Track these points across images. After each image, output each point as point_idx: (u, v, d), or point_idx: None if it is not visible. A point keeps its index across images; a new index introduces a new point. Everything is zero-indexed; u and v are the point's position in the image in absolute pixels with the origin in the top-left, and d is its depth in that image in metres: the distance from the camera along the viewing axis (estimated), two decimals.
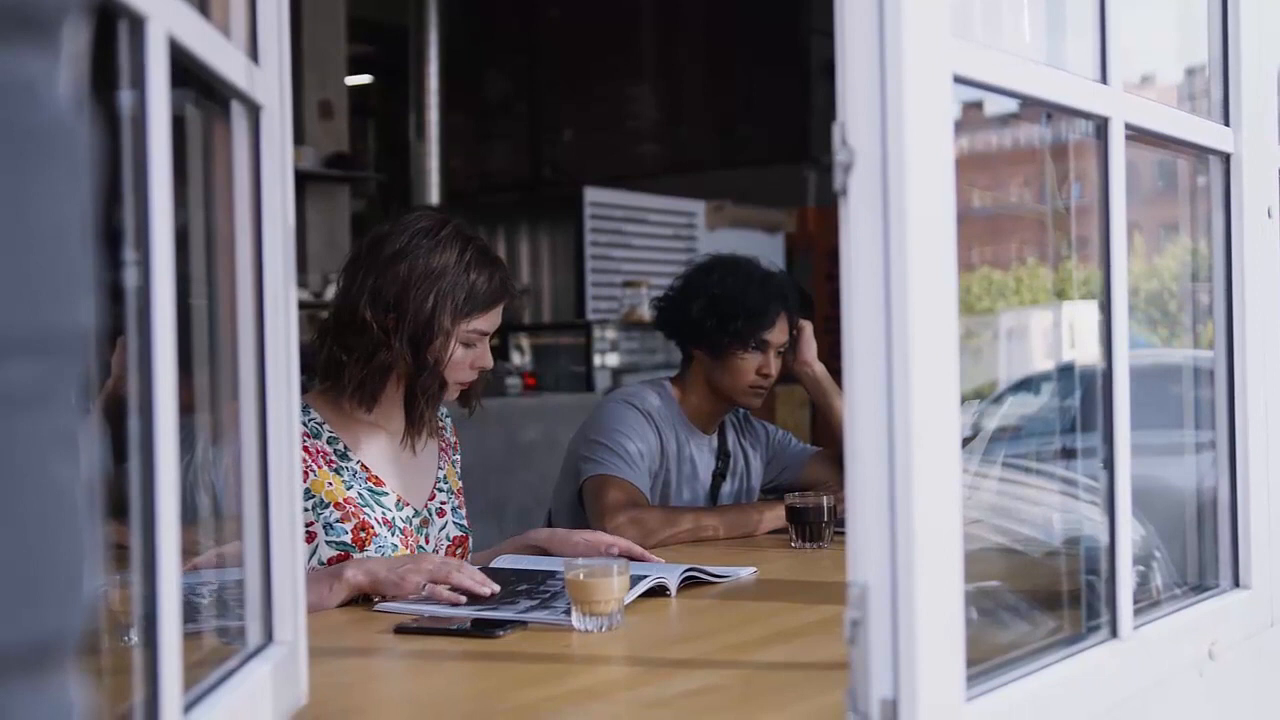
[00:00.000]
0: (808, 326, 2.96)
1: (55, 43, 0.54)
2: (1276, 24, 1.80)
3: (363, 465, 2.19)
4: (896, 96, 1.08)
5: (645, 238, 8.10)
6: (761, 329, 2.81)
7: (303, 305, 6.46)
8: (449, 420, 2.42)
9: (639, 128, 10.07)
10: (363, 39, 9.15)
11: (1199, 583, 1.76)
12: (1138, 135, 1.51)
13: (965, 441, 1.91)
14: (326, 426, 2.19)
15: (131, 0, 0.89)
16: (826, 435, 3.18)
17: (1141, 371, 1.60)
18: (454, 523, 2.32)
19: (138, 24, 0.91)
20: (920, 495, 1.08)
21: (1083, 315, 1.67)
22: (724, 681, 1.54)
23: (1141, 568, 1.66)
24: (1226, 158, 1.74)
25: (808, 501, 2.54)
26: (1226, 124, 1.74)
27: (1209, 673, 1.61)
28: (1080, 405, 1.72)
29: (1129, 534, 1.44)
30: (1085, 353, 1.62)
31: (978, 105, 1.41)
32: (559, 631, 1.77)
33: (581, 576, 1.76)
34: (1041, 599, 1.62)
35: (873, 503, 1.09)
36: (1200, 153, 1.75)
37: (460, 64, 9.62)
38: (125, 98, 0.92)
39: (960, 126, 1.28)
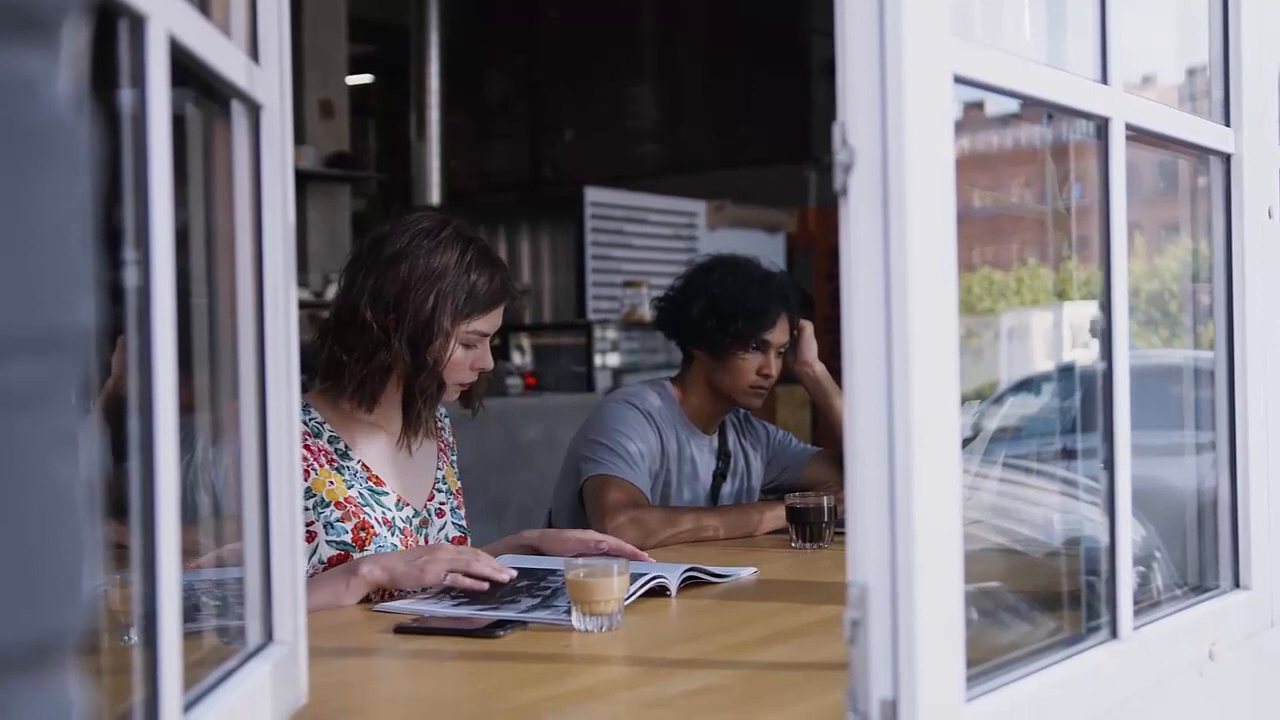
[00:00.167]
0: (808, 327, 2.96)
1: (55, 42, 0.54)
2: (1277, 24, 1.80)
3: (363, 465, 2.19)
4: (897, 96, 1.08)
5: (646, 238, 8.11)
6: (762, 329, 2.81)
7: (303, 305, 6.45)
8: (447, 420, 2.42)
9: (639, 128, 10.07)
10: (363, 39, 9.15)
11: (1199, 583, 1.76)
12: (1138, 136, 1.51)
13: (966, 442, 1.91)
14: (327, 426, 2.19)
15: None
16: (827, 435, 3.18)
17: (1142, 372, 1.60)
18: (453, 523, 2.32)
19: (138, 23, 0.91)
20: (920, 495, 1.08)
21: (1083, 316, 1.67)
22: (724, 681, 1.54)
23: (1142, 568, 1.66)
24: (1227, 158, 1.74)
25: (808, 502, 2.54)
26: (1227, 124, 1.74)
27: (1209, 673, 1.61)
28: (1081, 406, 1.72)
29: (1129, 534, 1.44)
30: (1086, 353, 1.62)
31: (979, 105, 1.41)
32: (559, 631, 1.77)
33: (582, 576, 1.76)
34: (1042, 599, 1.62)
35: (873, 503, 1.09)
36: (1201, 153, 1.75)
37: (461, 64, 9.62)
38: (126, 97, 0.92)
39: (961, 126, 1.28)
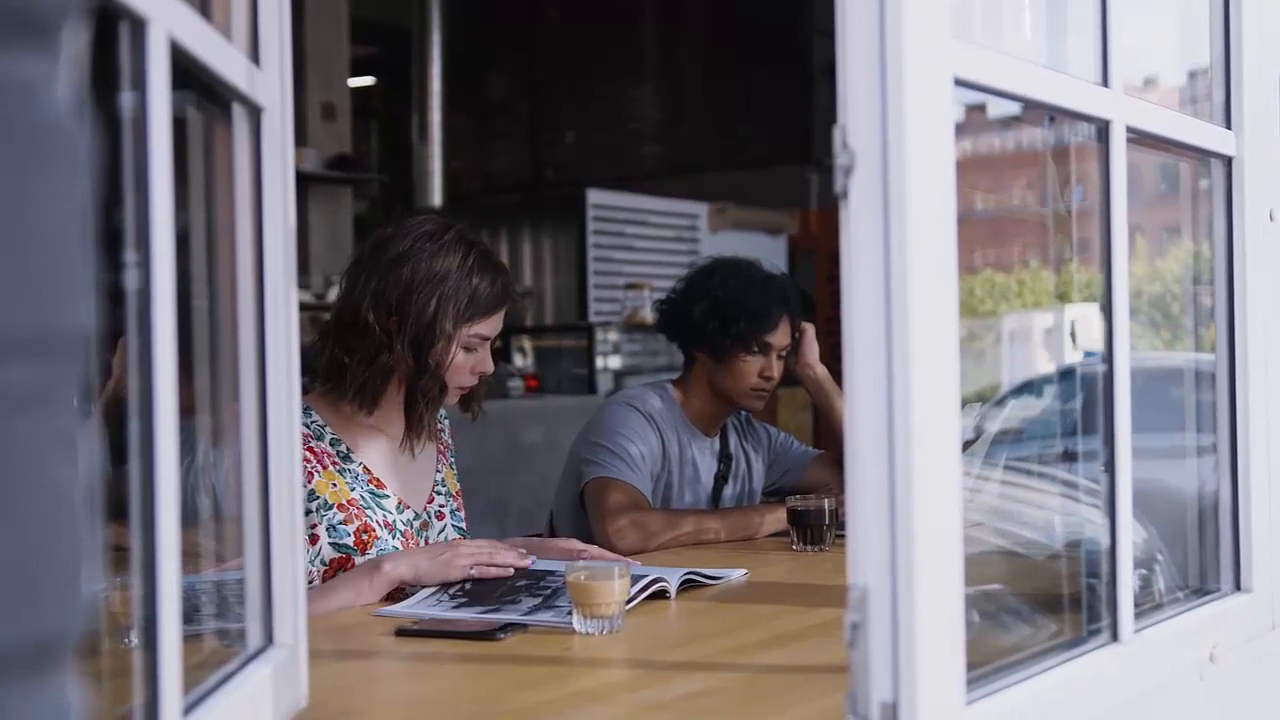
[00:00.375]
0: (810, 329, 2.96)
1: (54, 45, 0.54)
2: (1278, 26, 1.80)
3: (364, 467, 2.20)
4: (897, 99, 1.08)
5: (647, 240, 8.11)
6: (763, 331, 2.81)
7: (305, 307, 6.46)
8: (447, 422, 2.43)
9: (640, 129, 10.07)
10: (365, 40, 9.15)
11: (1200, 586, 1.76)
12: (1139, 138, 1.51)
13: (967, 444, 1.91)
14: (329, 429, 2.19)
15: (133, 2, 0.89)
16: (828, 438, 3.18)
17: (1144, 374, 1.60)
18: (453, 525, 2.33)
19: (139, 26, 0.91)
20: (920, 498, 1.08)
21: (1085, 318, 1.67)
22: (724, 684, 1.54)
23: (1144, 571, 1.66)
24: (1228, 161, 1.74)
25: (809, 504, 2.54)
26: (1228, 127, 1.74)
27: (1210, 676, 1.61)
28: (1082, 408, 1.72)
29: (1129, 537, 1.44)
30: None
31: (980, 108, 1.41)
32: (559, 634, 1.77)
33: (583, 579, 1.76)
34: (1043, 602, 1.61)
35: (873, 505, 1.09)
36: (1202, 156, 1.75)
37: (462, 65, 9.62)
38: (127, 99, 0.92)
39: (963, 129, 1.28)
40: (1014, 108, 1.51)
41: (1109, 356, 1.45)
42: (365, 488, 2.18)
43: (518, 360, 7.34)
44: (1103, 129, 1.44)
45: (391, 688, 1.60)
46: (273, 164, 1.27)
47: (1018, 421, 2.25)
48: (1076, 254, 1.81)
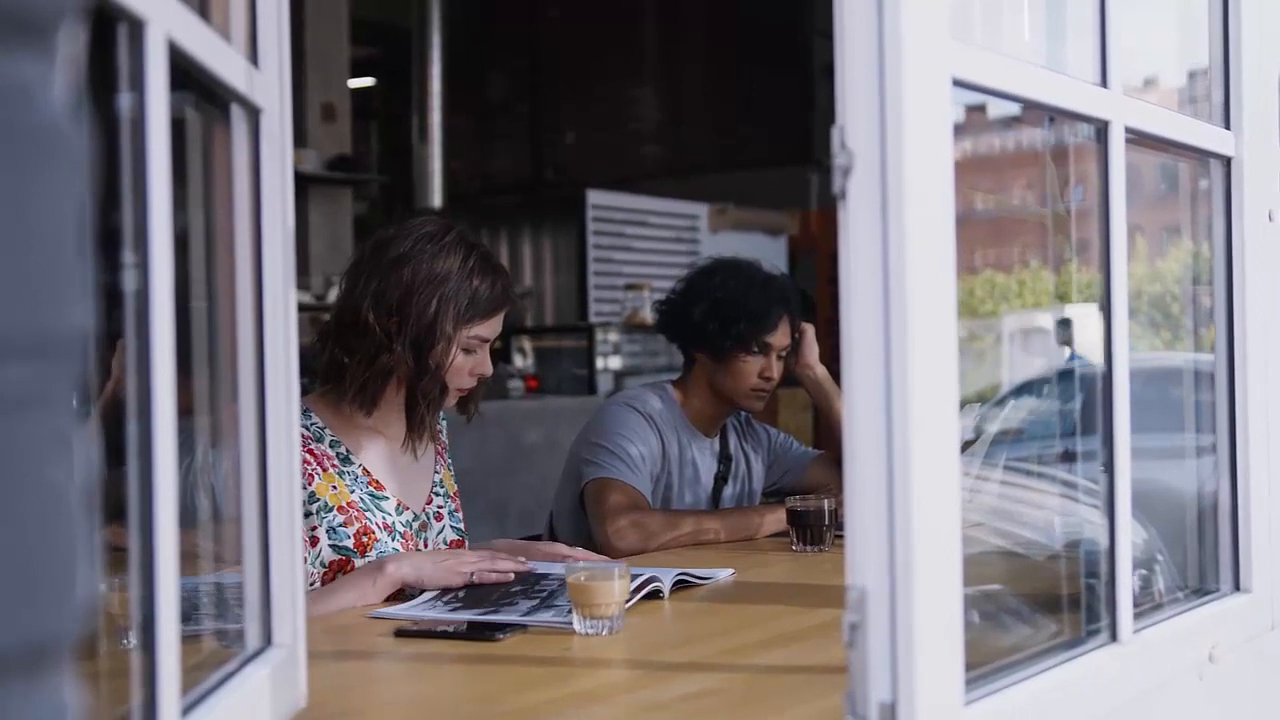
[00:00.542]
0: (809, 329, 2.96)
1: (51, 46, 0.54)
2: (1277, 27, 1.80)
3: (364, 469, 2.20)
4: (895, 99, 1.08)
5: (647, 240, 8.11)
6: (763, 332, 2.81)
7: (305, 308, 6.46)
8: (444, 423, 2.43)
9: (641, 129, 10.07)
10: (365, 41, 9.15)
11: (1199, 586, 1.76)
12: (1138, 139, 1.51)
13: (967, 444, 1.91)
14: (328, 430, 2.19)
15: (131, 3, 0.89)
16: (828, 438, 3.18)
17: (1144, 375, 1.60)
18: (451, 526, 2.33)
19: (137, 27, 0.91)
20: (919, 498, 1.08)
21: (1085, 318, 1.67)
22: (723, 685, 1.54)
23: (1144, 571, 1.66)
24: (1227, 161, 1.74)
25: (808, 504, 2.54)
26: (1227, 127, 1.74)
27: (1209, 676, 1.61)
28: (1081, 408, 1.72)
29: (1129, 537, 1.44)
30: (1088, 356, 1.62)
31: (980, 108, 1.41)
32: (559, 635, 1.77)
33: (583, 580, 1.76)
34: (1042, 602, 1.61)
35: (871, 506, 1.09)
36: (1201, 156, 1.75)
37: (462, 66, 9.63)
38: (125, 100, 0.92)
39: (963, 129, 1.28)
40: (1014, 108, 1.51)
41: (1108, 357, 1.45)
42: (365, 490, 2.18)
43: (518, 361, 7.34)
44: (1101, 129, 1.44)
45: (390, 688, 1.60)
46: (271, 165, 1.27)
47: (1017, 422, 2.24)
48: (1076, 254, 1.81)
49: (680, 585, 2.10)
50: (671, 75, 10.06)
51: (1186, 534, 1.82)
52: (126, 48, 0.91)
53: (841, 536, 2.45)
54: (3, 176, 0.52)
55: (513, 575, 2.04)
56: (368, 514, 2.16)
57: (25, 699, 0.52)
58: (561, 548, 2.33)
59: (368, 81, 10.54)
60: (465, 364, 2.20)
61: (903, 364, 1.08)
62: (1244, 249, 1.73)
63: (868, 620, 1.08)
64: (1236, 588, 1.73)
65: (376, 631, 1.83)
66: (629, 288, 7.64)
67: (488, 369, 2.24)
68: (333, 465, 2.16)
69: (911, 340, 1.08)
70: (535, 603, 1.91)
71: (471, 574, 2.01)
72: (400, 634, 1.80)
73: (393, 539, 2.18)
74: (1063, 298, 1.97)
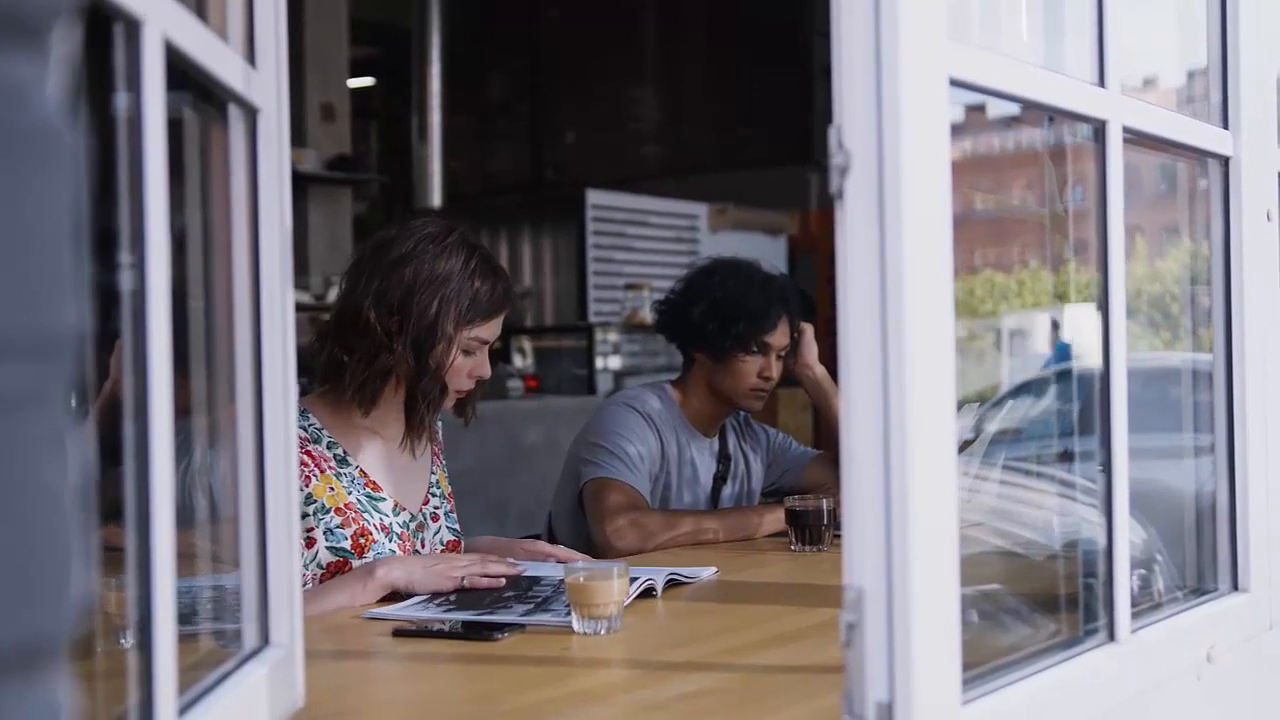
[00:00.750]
0: (809, 329, 2.96)
1: (44, 46, 0.54)
2: (1276, 27, 1.80)
3: (361, 470, 2.20)
4: (892, 100, 1.08)
5: (647, 240, 8.11)
6: (763, 332, 2.81)
7: (304, 307, 6.46)
8: (440, 424, 2.43)
9: (641, 129, 10.07)
10: (365, 41, 9.15)
11: (1197, 586, 1.76)
12: (1136, 139, 1.51)
13: (966, 444, 1.91)
14: (326, 432, 2.19)
15: (127, 3, 0.89)
16: (828, 438, 3.18)
17: (1143, 375, 1.60)
18: (447, 527, 2.33)
19: (134, 27, 0.91)
20: (916, 498, 1.08)
21: (1084, 318, 1.67)
22: (721, 684, 1.54)
23: (1143, 571, 1.66)
24: (1226, 161, 1.74)
25: (807, 504, 2.54)
26: (1226, 127, 1.74)
27: (1207, 676, 1.61)
28: (1080, 408, 1.72)
29: (1126, 537, 1.44)
30: (1085, 355, 1.62)
31: (980, 108, 1.41)
32: (557, 634, 1.77)
33: (582, 579, 1.76)
34: (1041, 602, 1.61)
35: (869, 505, 1.09)
36: (1199, 156, 1.75)
37: (462, 66, 9.62)
38: (121, 100, 0.92)
39: (963, 129, 1.28)
40: (1014, 108, 1.51)
41: (1105, 356, 1.45)
42: (362, 491, 2.18)
43: (517, 361, 7.34)
44: (1099, 129, 1.44)
45: (388, 688, 1.60)
46: (269, 165, 1.27)
47: (1016, 421, 2.24)
48: (1075, 254, 1.81)
49: (669, 584, 2.11)
50: (671, 75, 10.05)
51: (1185, 534, 1.82)
52: (123, 47, 0.91)
53: (840, 536, 2.45)
54: None
55: (504, 580, 2.04)
56: (365, 515, 2.16)
57: (19, 698, 0.52)
58: (544, 545, 2.34)
59: (367, 81, 10.54)
60: (464, 365, 2.20)
61: (900, 363, 1.08)
62: (1242, 249, 1.73)
63: (865, 620, 1.08)
64: (1235, 587, 1.73)
65: (374, 631, 1.83)
66: (629, 287, 7.64)
67: (486, 371, 2.24)
68: (330, 467, 2.16)
69: (909, 340, 1.08)
70: (530, 606, 1.91)
71: (462, 578, 2.01)
72: (398, 634, 1.80)
73: (390, 540, 2.18)
74: (1062, 297, 1.97)
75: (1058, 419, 1.91)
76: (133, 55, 0.91)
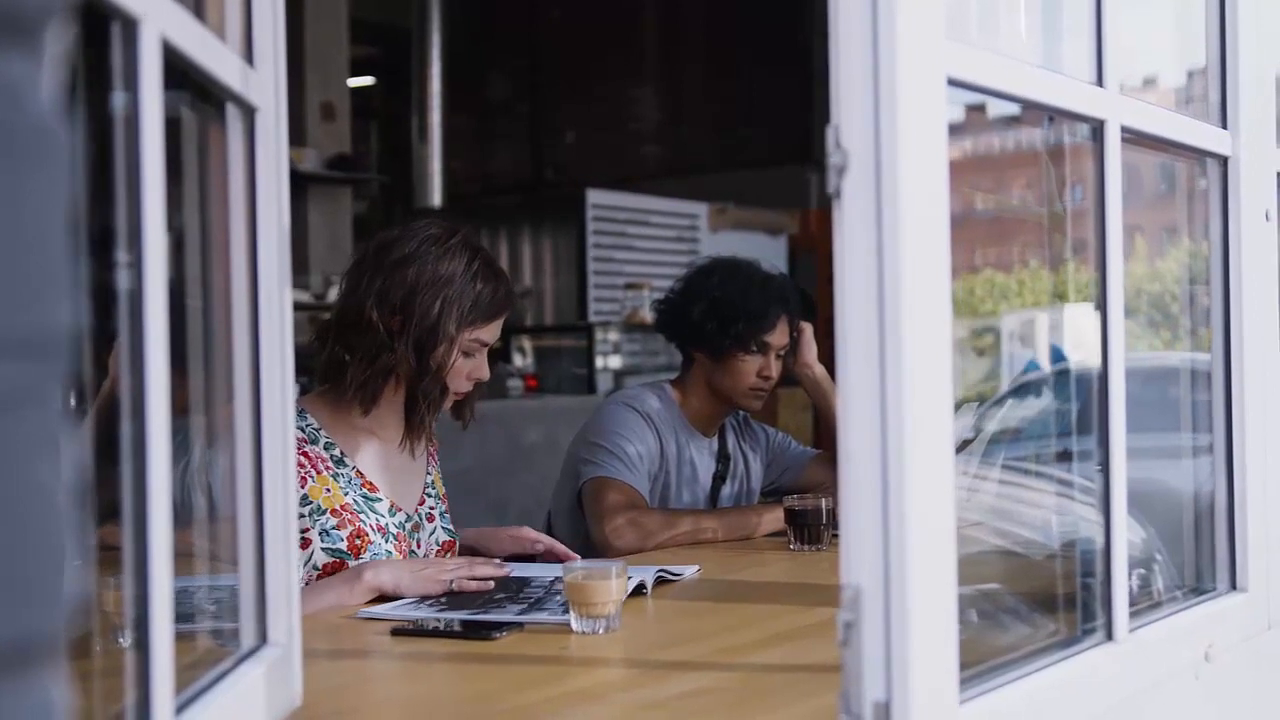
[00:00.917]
0: (808, 329, 2.96)
1: (38, 45, 0.54)
2: (1275, 27, 1.80)
3: (357, 471, 2.20)
4: (890, 99, 1.08)
5: (647, 240, 8.11)
6: (762, 331, 2.81)
7: (304, 307, 6.46)
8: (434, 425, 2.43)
9: (641, 129, 10.07)
10: (365, 41, 9.15)
11: (1196, 585, 1.76)
12: (1134, 138, 1.51)
13: (966, 443, 1.91)
14: (323, 432, 2.19)
15: (125, 2, 0.89)
16: (828, 438, 3.18)
17: (1143, 374, 1.60)
18: (442, 527, 2.33)
19: (131, 26, 0.91)
20: (913, 497, 1.08)
21: (1083, 318, 1.67)
22: (719, 684, 1.54)
23: (1143, 570, 1.66)
24: (1224, 161, 1.74)
25: (806, 504, 2.54)
26: (1224, 127, 1.74)
27: (1205, 675, 1.61)
28: (1079, 407, 1.72)
29: (1124, 536, 1.44)
30: (1085, 355, 1.62)
31: (980, 108, 1.41)
32: (556, 634, 1.77)
33: (580, 578, 1.76)
34: (1039, 601, 1.61)
35: (866, 504, 1.09)
36: (1198, 156, 1.75)
37: (462, 66, 9.63)
38: (119, 99, 0.92)
39: (963, 128, 1.28)
40: (1014, 107, 1.51)
41: (1104, 356, 1.45)
42: (358, 492, 2.18)
43: (517, 360, 7.34)
44: (1097, 129, 1.44)
45: (386, 687, 1.60)
46: (267, 164, 1.27)
47: (1015, 421, 2.24)
48: (1075, 254, 1.81)
49: (657, 581, 2.13)
50: (671, 75, 10.06)
51: (1183, 533, 1.82)
52: (120, 46, 0.91)
53: (839, 536, 2.45)
54: None
55: (493, 583, 2.04)
56: (361, 516, 2.16)
57: (13, 696, 0.52)
58: (529, 532, 2.35)
59: (367, 81, 10.55)
60: (464, 367, 2.21)
61: (897, 363, 1.08)
62: (1241, 248, 1.73)
63: (862, 619, 1.08)
64: (1233, 587, 1.73)
65: (371, 630, 1.83)
66: (629, 287, 7.64)
67: (485, 374, 2.25)
68: (326, 468, 2.16)
69: (906, 339, 1.08)
70: (524, 606, 1.91)
71: (450, 581, 2.01)
72: (396, 633, 1.80)
73: (386, 541, 2.18)
74: (1061, 297, 1.97)
75: (1057, 418, 1.91)
76: (130, 54, 0.91)
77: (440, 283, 2.15)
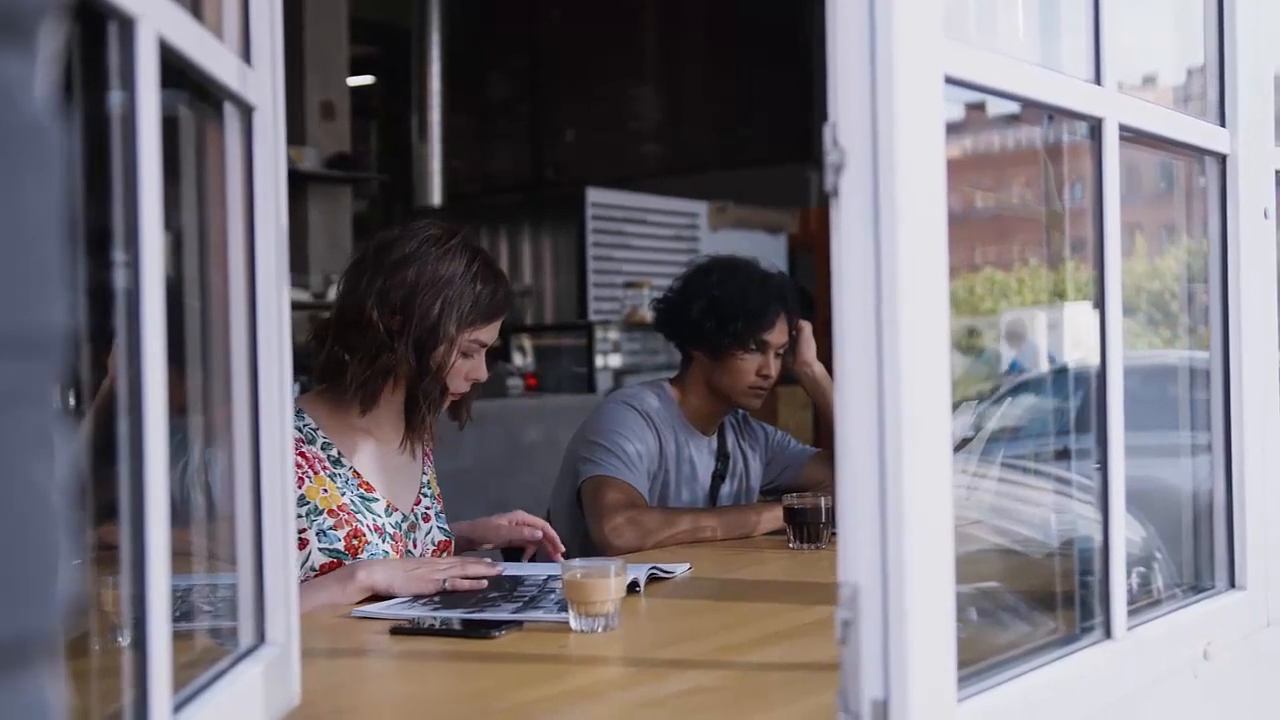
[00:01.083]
0: (807, 327, 2.96)
1: (32, 44, 0.54)
2: (1273, 24, 1.80)
3: (354, 471, 2.20)
4: (887, 97, 1.08)
5: (647, 238, 8.11)
6: (761, 330, 2.81)
7: (304, 306, 6.46)
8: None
9: (641, 128, 10.07)
10: (365, 40, 9.15)
11: (1195, 583, 1.76)
12: (1133, 136, 1.51)
13: (965, 442, 1.91)
14: (320, 432, 2.19)
15: (121, 1, 0.89)
16: (827, 436, 3.18)
17: (1142, 372, 1.60)
18: (438, 527, 2.33)
19: (127, 25, 0.91)
20: (911, 495, 1.08)
21: (1082, 316, 1.67)
22: (718, 682, 1.54)
23: (1143, 569, 1.66)
24: (1223, 158, 1.74)
25: (805, 502, 2.54)
26: (1223, 125, 1.74)
27: (1204, 673, 1.61)
28: (1078, 405, 1.72)
29: (1122, 534, 1.44)
30: (1084, 353, 1.62)
31: (980, 106, 1.41)
32: (554, 632, 1.77)
33: (579, 577, 1.76)
34: (1038, 599, 1.61)
35: (864, 503, 1.09)
36: (1196, 154, 1.75)
37: (462, 65, 9.62)
38: (115, 99, 0.92)
39: (963, 127, 1.28)
40: (1014, 105, 1.51)
41: (1102, 354, 1.45)
42: (355, 492, 2.18)
43: (517, 359, 7.34)
44: (1095, 127, 1.44)
45: (385, 686, 1.60)
46: (264, 163, 1.27)
47: (1015, 419, 2.24)
48: (1074, 252, 1.81)
49: (650, 579, 2.13)
50: (671, 74, 10.05)
51: (1182, 531, 1.82)
52: (117, 46, 0.91)
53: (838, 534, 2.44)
54: None
55: (486, 582, 2.05)
56: (358, 516, 2.16)
57: (7, 695, 0.52)
58: (523, 515, 2.38)
59: (367, 80, 10.54)
60: (462, 368, 2.21)
61: (895, 361, 1.08)
62: (1239, 246, 1.73)
63: (860, 617, 1.08)
64: (1232, 585, 1.73)
65: (370, 629, 1.84)
66: (629, 286, 7.64)
67: (483, 374, 2.25)
68: (324, 468, 2.16)
69: (903, 337, 1.08)
70: (519, 605, 1.92)
71: (443, 581, 2.02)
72: (395, 631, 1.80)
73: (383, 541, 2.18)
74: (1060, 295, 1.97)
75: (1056, 416, 1.91)
76: (127, 54, 0.91)
77: (441, 283, 2.16)
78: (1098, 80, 1.44)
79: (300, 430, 2.16)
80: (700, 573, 2.26)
